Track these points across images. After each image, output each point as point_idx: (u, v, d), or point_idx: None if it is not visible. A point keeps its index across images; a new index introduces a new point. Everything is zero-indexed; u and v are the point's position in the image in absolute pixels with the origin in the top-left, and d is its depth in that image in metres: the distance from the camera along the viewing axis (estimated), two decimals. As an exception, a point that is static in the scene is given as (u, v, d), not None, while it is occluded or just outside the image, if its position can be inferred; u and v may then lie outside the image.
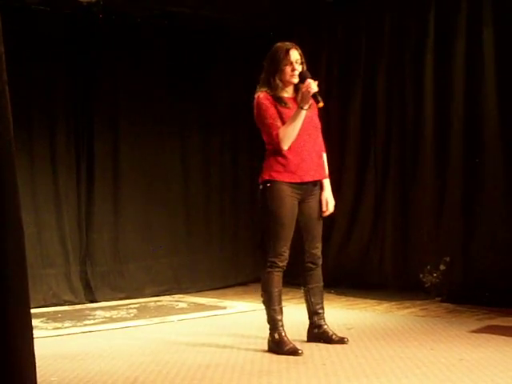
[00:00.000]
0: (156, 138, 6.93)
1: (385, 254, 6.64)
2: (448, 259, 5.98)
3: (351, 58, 6.86)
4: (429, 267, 6.07)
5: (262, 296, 4.28)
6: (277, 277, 4.20)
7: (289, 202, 4.16)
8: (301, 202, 4.24)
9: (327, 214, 4.38)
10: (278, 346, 4.17)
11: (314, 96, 4.11)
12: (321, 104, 4.13)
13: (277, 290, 4.21)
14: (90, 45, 6.52)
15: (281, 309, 4.23)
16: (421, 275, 6.10)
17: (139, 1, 6.43)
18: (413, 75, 6.41)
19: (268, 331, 4.25)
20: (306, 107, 4.11)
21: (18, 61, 5.98)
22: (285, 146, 4.11)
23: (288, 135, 4.10)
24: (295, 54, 4.18)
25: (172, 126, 7.03)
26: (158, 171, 6.94)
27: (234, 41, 7.32)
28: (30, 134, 6.22)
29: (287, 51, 4.17)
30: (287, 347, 4.14)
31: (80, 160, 6.49)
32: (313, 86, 4.08)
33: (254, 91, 7.68)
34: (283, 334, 4.19)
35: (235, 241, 7.41)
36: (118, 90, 6.71)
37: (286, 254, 4.20)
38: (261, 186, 4.23)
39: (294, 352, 4.09)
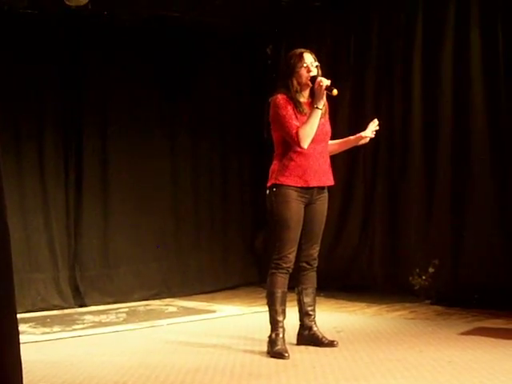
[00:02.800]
0: (145, 142, 6.90)
1: (374, 256, 6.65)
2: (437, 262, 5.99)
3: (340, 60, 6.87)
4: (418, 270, 6.09)
5: (266, 297, 4.33)
6: (281, 278, 4.24)
7: (295, 206, 4.22)
8: (307, 205, 4.29)
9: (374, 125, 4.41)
10: (270, 345, 4.21)
11: (327, 89, 4.15)
12: (335, 91, 4.14)
13: (280, 291, 4.24)
14: (79, 49, 6.50)
15: (283, 310, 4.26)
16: (410, 278, 6.11)
17: (128, 4, 6.41)
18: (401, 77, 6.43)
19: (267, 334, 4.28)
20: (321, 105, 4.17)
21: (5, 64, 5.96)
22: (305, 145, 4.17)
23: (307, 133, 4.15)
24: (309, 57, 4.27)
25: (161, 130, 7.02)
26: (147, 175, 6.92)
27: (223, 44, 7.32)
28: (18, 137, 6.18)
29: (301, 54, 4.27)
30: (276, 348, 4.17)
31: (68, 164, 6.47)
32: (324, 81, 4.15)
33: (243, 94, 7.75)
34: (280, 335, 4.21)
35: (225, 245, 7.40)
36: (106, 94, 6.69)
37: (291, 257, 4.25)
38: (268, 191, 4.29)
39: (280, 354, 4.12)
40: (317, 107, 4.17)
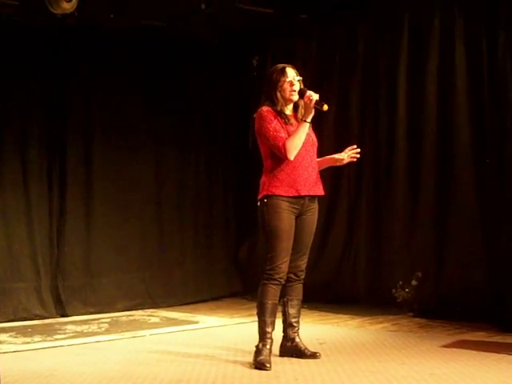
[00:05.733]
0: (130, 152, 6.90)
1: (357, 269, 6.66)
2: (420, 274, 6.01)
3: (325, 73, 6.91)
4: (401, 282, 6.10)
5: (256, 307, 4.33)
6: (272, 289, 4.24)
7: (286, 217, 4.23)
8: (298, 217, 4.30)
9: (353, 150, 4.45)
10: (255, 354, 4.21)
11: (317, 104, 4.20)
12: (325, 107, 4.20)
13: (270, 302, 4.24)
14: (64, 57, 6.50)
15: (272, 322, 4.26)
16: (393, 290, 6.13)
17: (114, 14, 6.41)
18: (386, 89, 6.47)
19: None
20: (309, 119, 4.22)
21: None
22: (291, 157, 4.20)
23: (294, 146, 4.19)
24: (291, 72, 4.31)
25: (146, 140, 7.02)
26: (131, 185, 6.90)
27: (209, 55, 7.34)
28: (1, 145, 6.17)
29: (283, 69, 4.30)
30: (259, 358, 4.17)
31: (52, 173, 6.44)
32: (314, 95, 4.20)
33: (228, 106, 7.75)
34: (267, 346, 4.22)
35: (208, 255, 7.39)
36: (91, 103, 6.68)
37: (284, 267, 4.25)
38: (259, 203, 4.31)
39: (262, 365, 4.12)
40: (305, 121, 4.22)
